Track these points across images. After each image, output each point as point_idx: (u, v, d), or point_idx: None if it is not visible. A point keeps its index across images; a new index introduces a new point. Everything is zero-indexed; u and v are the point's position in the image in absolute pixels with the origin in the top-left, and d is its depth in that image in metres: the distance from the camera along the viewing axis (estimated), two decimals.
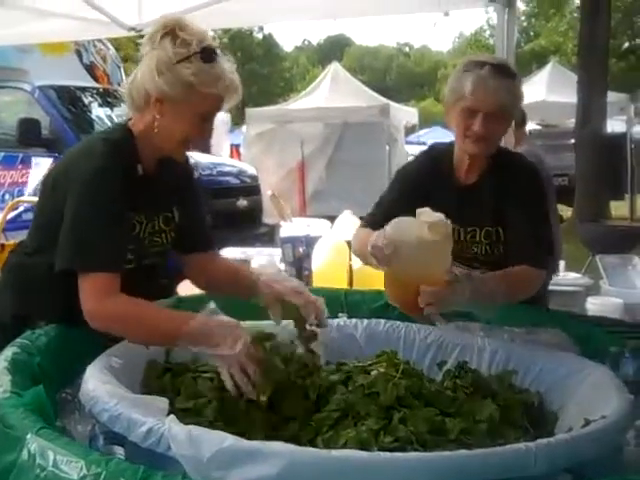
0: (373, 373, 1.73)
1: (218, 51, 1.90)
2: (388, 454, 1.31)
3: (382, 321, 2.20)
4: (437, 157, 2.41)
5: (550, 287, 4.49)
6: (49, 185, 2.02)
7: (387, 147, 11.47)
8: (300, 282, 2.07)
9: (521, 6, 29.78)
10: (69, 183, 1.89)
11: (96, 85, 8.93)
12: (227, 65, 1.91)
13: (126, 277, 1.86)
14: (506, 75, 2.21)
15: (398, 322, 2.19)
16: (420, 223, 1.89)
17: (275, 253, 3.94)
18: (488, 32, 34.33)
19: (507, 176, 2.28)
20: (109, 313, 1.79)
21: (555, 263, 4.72)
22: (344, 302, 2.37)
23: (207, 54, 1.87)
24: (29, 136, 7.55)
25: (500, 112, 2.20)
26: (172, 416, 1.37)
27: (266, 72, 39.59)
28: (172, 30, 1.88)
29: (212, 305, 1.78)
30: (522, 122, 4.52)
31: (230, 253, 4.04)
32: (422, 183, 2.35)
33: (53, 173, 2.04)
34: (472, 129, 2.20)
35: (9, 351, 1.72)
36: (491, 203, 2.27)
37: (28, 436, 1.32)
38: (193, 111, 1.89)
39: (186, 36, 1.87)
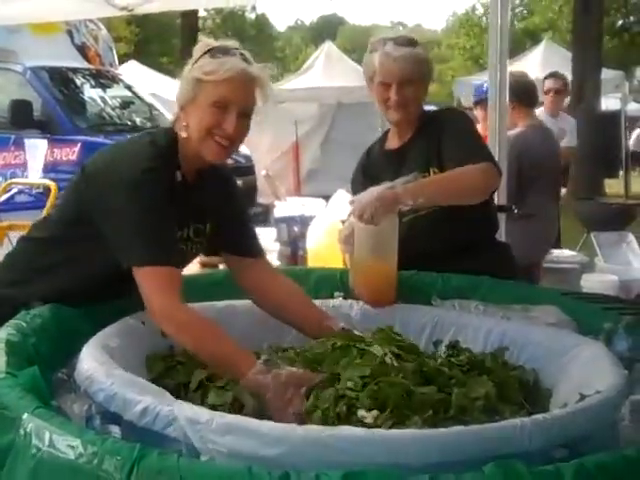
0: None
1: (235, 51, 1.91)
2: (383, 431, 1.31)
3: None
4: (378, 140, 2.72)
5: (545, 264, 4.52)
6: (83, 179, 1.98)
7: (381, 127, 11.45)
8: None
9: None
10: (111, 182, 1.87)
11: (88, 66, 8.88)
12: (237, 59, 1.90)
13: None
14: (407, 45, 2.45)
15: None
16: None
17: (270, 233, 3.94)
18: (479, 11, 34.15)
19: (433, 126, 2.50)
20: (179, 319, 1.77)
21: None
22: (339, 282, 2.36)
23: (215, 50, 1.90)
24: (21, 118, 7.51)
25: (409, 78, 2.43)
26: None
27: (259, 52, 39.40)
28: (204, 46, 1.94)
29: (265, 356, 1.74)
30: (527, 102, 4.45)
31: None
32: (363, 165, 2.66)
33: (90, 168, 1.99)
34: (390, 99, 2.45)
35: (4, 332, 1.71)
36: (424, 153, 2.46)
37: (24, 416, 1.32)
38: (204, 101, 1.89)
39: (205, 47, 1.92)
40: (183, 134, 1.94)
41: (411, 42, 2.48)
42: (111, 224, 1.86)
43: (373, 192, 2.14)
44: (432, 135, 2.47)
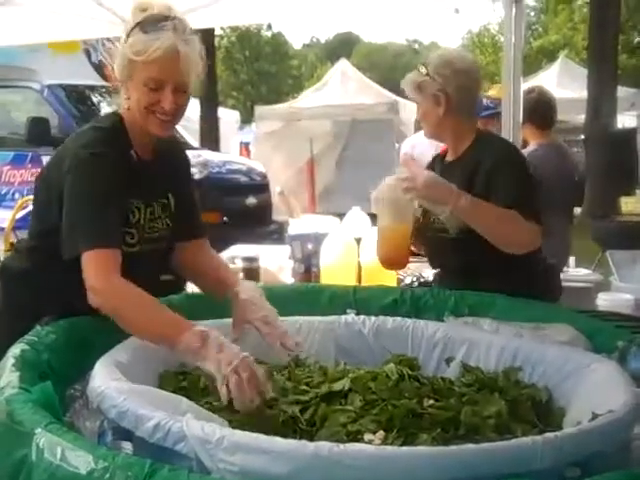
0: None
1: (165, 21, 1.90)
2: (395, 448, 1.31)
3: (390, 318, 2.20)
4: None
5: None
6: (43, 180, 2.06)
7: (397, 144, 11.46)
8: (273, 310, 2.02)
9: (529, 1, 29.81)
10: (62, 175, 1.91)
11: (105, 83, 8.96)
12: (169, 32, 1.89)
13: (130, 263, 1.88)
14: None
15: (406, 319, 2.20)
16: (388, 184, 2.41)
17: (284, 250, 3.94)
18: (493, 29, 34.22)
19: (486, 154, 2.51)
20: (116, 290, 1.80)
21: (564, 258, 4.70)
22: (353, 298, 2.37)
23: (145, 24, 1.90)
24: (38, 135, 7.59)
25: (415, 100, 2.62)
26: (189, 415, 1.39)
27: (275, 70, 39.52)
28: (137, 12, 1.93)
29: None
30: (538, 121, 4.42)
31: (239, 250, 4.04)
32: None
33: (46, 168, 2.07)
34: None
35: (17, 348, 1.72)
36: (467, 178, 2.49)
37: (37, 431, 1.32)
38: (138, 82, 1.93)
39: (137, 15, 1.92)
40: (126, 106, 1.98)
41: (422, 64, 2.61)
42: (64, 215, 1.89)
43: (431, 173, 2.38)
44: (482, 164, 2.49)
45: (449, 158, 2.68)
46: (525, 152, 4.19)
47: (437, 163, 2.75)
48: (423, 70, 2.55)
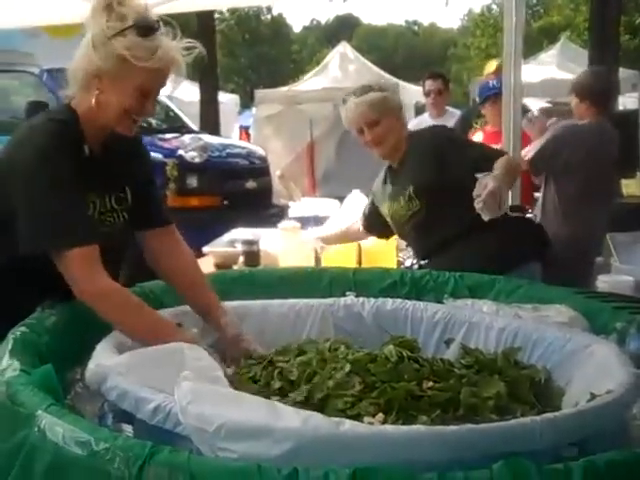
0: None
1: (159, 26, 1.88)
2: (394, 427, 1.32)
3: (389, 300, 2.21)
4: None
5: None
6: None
7: None
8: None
9: None
10: (15, 166, 1.86)
11: None
12: (167, 40, 1.88)
13: None
14: (362, 93, 2.84)
15: (406, 301, 2.21)
16: None
17: None
18: (494, 10, 34.09)
19: (413, 148, 2.89)
20: (103, 295, 1.79)
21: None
22: (352, 280, 2.38)
23: (142, 27, 1.85)
24: None
25: (372, 119, 2.82)
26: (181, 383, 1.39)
27: (275, 54, 39.32)
28: (109, 5, 1.86)
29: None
30: (591, 99, 4.35)
31: (239, 234, 4.04)
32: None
33: None
34: (367, 141, 2.87)
35: (18, 331, 1.73)
36: (411, 170, 2.85)
37: (37, 413, 1.33)
38: (129, 85, 1.88)
39: (122, 10, 1.85)
40: (93, 99, 1.91)
41: (366, 89, 2.85)
42: (20, 210, 1.82)
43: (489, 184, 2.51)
44: (424, 153, 2.85)
45: (394, 166, 2.97)
46: (572, 122, 4.17)
47: (388, 175, 3.03)
48: (378, 92, 2.84)
